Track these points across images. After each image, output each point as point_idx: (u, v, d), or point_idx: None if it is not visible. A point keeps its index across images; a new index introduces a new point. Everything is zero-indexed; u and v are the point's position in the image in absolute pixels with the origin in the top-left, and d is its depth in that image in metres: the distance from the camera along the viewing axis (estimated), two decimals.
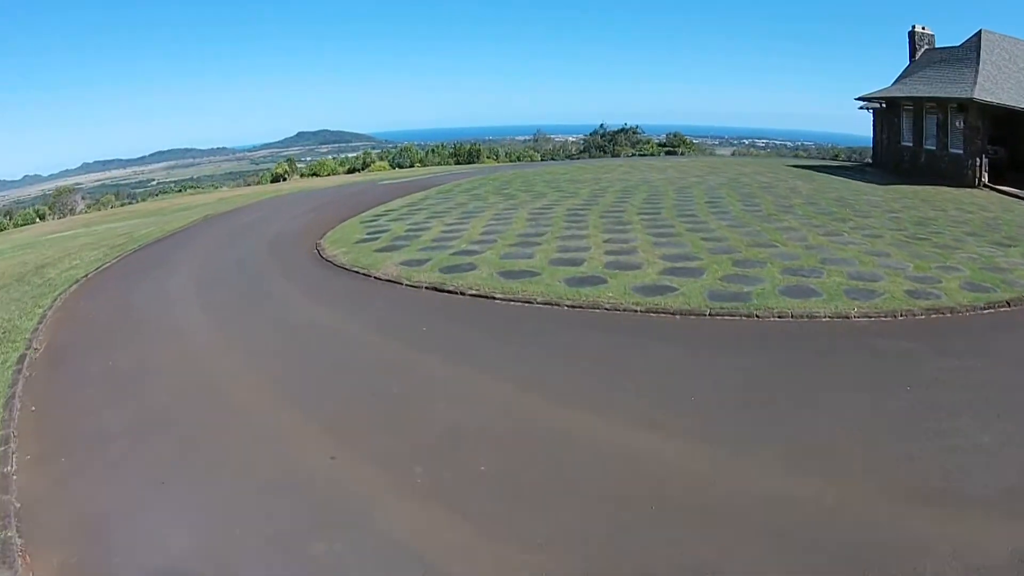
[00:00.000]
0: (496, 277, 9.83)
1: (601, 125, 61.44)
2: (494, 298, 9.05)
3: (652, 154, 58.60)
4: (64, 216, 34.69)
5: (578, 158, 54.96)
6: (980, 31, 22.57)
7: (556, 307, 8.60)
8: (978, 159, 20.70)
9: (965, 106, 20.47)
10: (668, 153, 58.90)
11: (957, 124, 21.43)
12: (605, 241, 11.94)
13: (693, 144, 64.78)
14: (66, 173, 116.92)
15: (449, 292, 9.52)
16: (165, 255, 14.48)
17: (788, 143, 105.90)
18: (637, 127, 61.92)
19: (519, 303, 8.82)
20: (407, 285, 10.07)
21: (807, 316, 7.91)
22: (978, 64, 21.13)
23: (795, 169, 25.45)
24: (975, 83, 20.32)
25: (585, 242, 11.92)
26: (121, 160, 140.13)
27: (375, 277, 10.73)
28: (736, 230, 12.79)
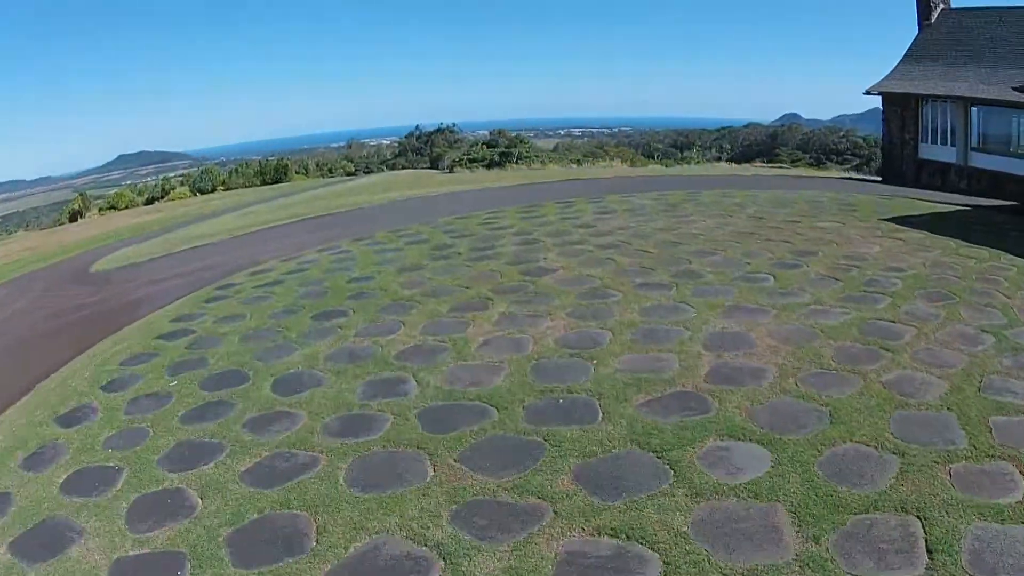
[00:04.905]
0: None
1: (417, 126, 51.46)
2: None
3: (482, 160, 44.76)
4: None
5: (394, 163, 45.54)
6: None
7: None
8: None
9: None
10: (503, 156, 45.48)
11: None
12: None
13: (527, 142, 53.03)
14: None
15: None
16: None
17: (605, 130, 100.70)
18: (455, 126, 51.34)
19: None
20: None
21: None
22: None
23: (918, 236, 8.93)
24: None
25: None
26: None
27: None
28: None
